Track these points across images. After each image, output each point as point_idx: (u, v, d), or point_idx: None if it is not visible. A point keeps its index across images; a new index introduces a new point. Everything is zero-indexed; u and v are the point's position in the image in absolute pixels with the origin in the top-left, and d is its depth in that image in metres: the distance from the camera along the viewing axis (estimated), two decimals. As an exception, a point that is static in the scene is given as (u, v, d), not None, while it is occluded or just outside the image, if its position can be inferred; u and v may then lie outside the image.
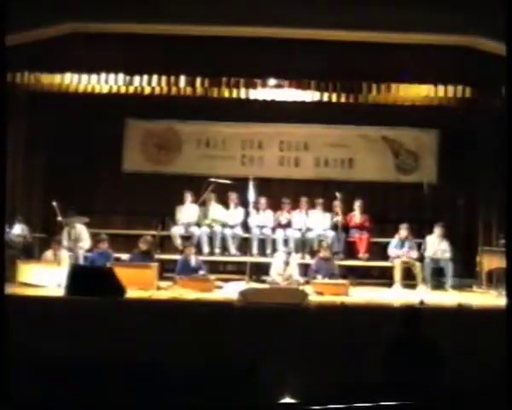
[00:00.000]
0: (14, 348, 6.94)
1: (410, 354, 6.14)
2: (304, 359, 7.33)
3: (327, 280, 10.79)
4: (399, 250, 11.76)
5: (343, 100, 12.84)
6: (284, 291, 9.90)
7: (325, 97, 12.76)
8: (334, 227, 12.33)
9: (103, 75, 11.87)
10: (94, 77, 11.95)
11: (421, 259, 11.63)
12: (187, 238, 12.21)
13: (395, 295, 10.88)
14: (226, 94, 12.86)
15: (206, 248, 12.16)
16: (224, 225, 12.35)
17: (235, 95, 12.86)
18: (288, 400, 6.02)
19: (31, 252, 11.97)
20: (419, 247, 11.86)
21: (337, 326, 7.97)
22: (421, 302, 9.04)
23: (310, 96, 12.60)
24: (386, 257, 12.13)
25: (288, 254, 11.26)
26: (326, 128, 13.63)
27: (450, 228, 12.68)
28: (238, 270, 12.65)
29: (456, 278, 11.67)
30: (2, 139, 7.30)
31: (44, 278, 10.25)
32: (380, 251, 12.86)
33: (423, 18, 10.18)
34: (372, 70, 11.18)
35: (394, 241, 11.96)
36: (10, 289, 9.75)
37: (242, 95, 12.83)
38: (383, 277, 12.49)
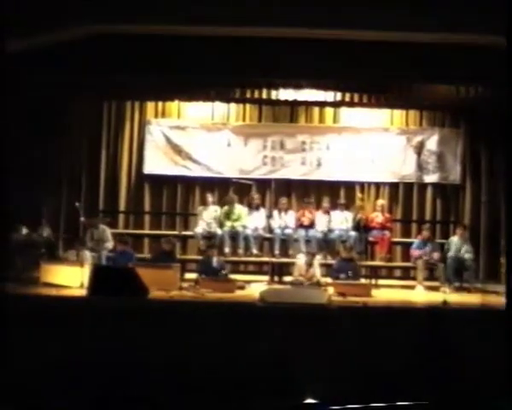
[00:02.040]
0: (37, 348, 7.01)
1: (432, 355, 6.12)
2: (325, 359, 7.32)
3: (349, 281, 10.76)
4: (422, 251, 11.69)
5: (365, 100, 12.86)
6: (306, 292, 9.87)
7: (347, 97, 12.77)
8: (356, 228, 12.28)
9: (125, 76, 11.94)
10: (116, 77, 12.03)
11: (443, 260, 11.57)
12: (209, 239, 12.23)
13: (417, 296, 10.83)
14: (247, 94, 12.92)
15: (227, 249, 12.16)
16: (246, 226, 12.35)
17: (256, 95, 12.91)
18: (309, 400, 6.02)
19: (54, 252, 12.05)
20: (442, 248, 11.79)
21: (359, 327, 7.95)
22: (444, 303, 8.98)
23: (332, 96, 12.61)
24: (408, 258, 12.08)
25: (312, 255, 11.23)
26: (348, 128, 13.58)
27: (473, 229, 12.62)
28: (260, 270, 12.67)
29: (479, 279, 11.60)
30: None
31: (67, 278, 10.29)
32: (402, 252, 12.83)
33: (448, 18, 10.12)
34: (394, 70, 11.14)
35: (417, 241, 11.91)
36: (34, 290, 9.84)
37: (263, 95, 12.87)
38: (405, 277, 12.44)
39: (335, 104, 13.27)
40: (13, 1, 9.76)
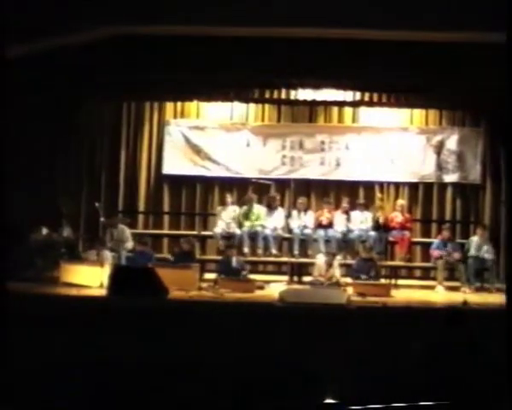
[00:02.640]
0: (55, 348, 7.04)
1: (453, 355, 6.08)
2: (345, 359, 7.30)
3: (368, 281, 10.73)
4: (442, 251, 11.64)
5: (384, 99, 12.82)
6: (325, 292, 9.86)
7: (366, 97, 12.73)
8: (376, 228, 12.24)
9: (144, 77, 11.99)
10: (136, 78, 12.09)
11: (464, 260, 11.50)
12: (228, 239, 12.23)
13: (437, 296, 10.78)
14: (267, 95, 12.92)
15: (246, 249, 12.15)
16: (265, 226, 12.33)
17: (275, 95, 12.91)
18: (329, 400, 6.00)
19: (74, 252, 12.11)
20: (462, 248, 11.73)
21: (378, 327, 7.92)
22: (465, 303, 8.94)
23: (351, 95, 12.58)
24: (428, 258, 12.02)
25: (332, 255, 11.21)
26: (367, 128, 13.53)
27: (493, 229, 12.54)
28: (279, 270, 12.66)
29: (499, 279, 11.53)
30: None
31: (87, 277, 10.35)
32: (422, 252, 12.77)
33: (466, 17, 10.06)
34: (413, 69, 11.10)
35: (437, 241, 11.85)
36: (54, 289, 9.90)
37: (282, 95, 12.87)
38: (425, 277, 12.38)
39: (354, 104, 13.23)
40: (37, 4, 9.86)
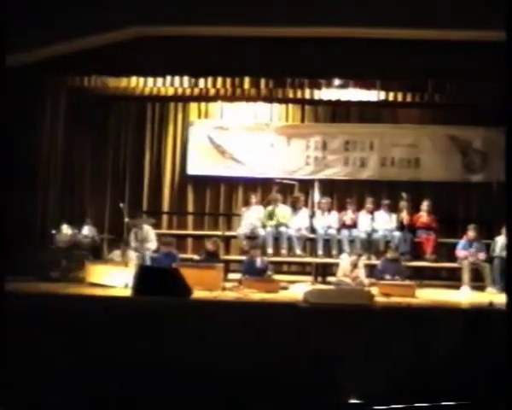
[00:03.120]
0: (80, 347, 7.08)
1: (478, 356, 6.04)
2: (370, 360, 7.27)
3: (393, 281, 10.67)
4: (467, 251, 11.55)
5: (409, 99, 12.74)
6: (350, 292, 9.81)
7: (391, 97, 12.66)
8: (401, 228, 12.18)
9: (168, 78, 12.03)
10: (159, 80, 12.14)
11: (490, 260, 11.41)
12: (252, 239, 12.23)
13: (463, 297, 10.70)
14: (290, 95, 12.89)
15: (270, 249, 12.14)
16: (289, 226, 12.32)
17: (299, 95, 12.88)
18: (353, 400, 5.99)
19: (99, 253, 12.17)
20: (488, 248, 11.63)
21: (403, 328, 7.87)
22: (491, 304, 8.85)
23: (375, 95, 12.52)
24: (453, 258, 11.92)
25: (357, 255, 11.15)
26: (392, 127, 13.48)
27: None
28: (303, 271, 12.64)
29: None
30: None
31: (112, 278, 10.38)
32: (447, 252, 12.67)
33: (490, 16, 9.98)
34: (439, 68, 11.02)
35: (462, 242, 11.76)
36: (79, 289, 9.94)
37: (307, 95, 12.83)
38: (451, 278, 12.28)
39: (379, 104, 13.16)
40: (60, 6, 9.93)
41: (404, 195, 12.38)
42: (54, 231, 11.56)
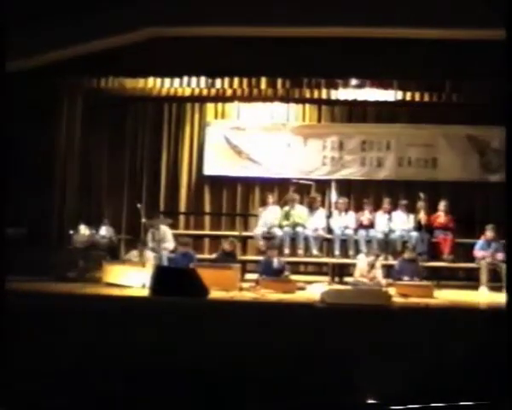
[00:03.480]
0: (97, 347, 7.09)
1: (495, 356, 6.01)
2: (387, 360, 7.25)
3: (411, 282, 10.63)
4: (485, 252, 11.49)
5: (426, 99, 12.68)
6: (367, 293, 9.79)
7: (408, 96, 12.61)
8: (418, 228, 12.13)
9: (185, 78, 12.06)
10: (176, 80, 12.16)
11: (507, 260, 11.33)
12: (269, 239, 12.22)
13: (481, 297, 10.65)
14: (307, 95, 12.88)
15: (287, 250, 12.13)
16: (306, 227, 12.30)
17: (316, 95, 12.86)
18: (370, 400, 5.98)
19: (116, 253, 12.21)
20: (506, 248, 11.55)
21: (421, 328, 7.84)
22: (509, 304, 8.79)
23: (392, 95, 12.48)
24: (471, 258, 11.86)
25: (374, 256, 11.11)
26: (409, 127, 13.43)
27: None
28: (320, 271, 12.61)
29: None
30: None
31: (129, 278, 10.41)
32: (465, 252, 12.60)
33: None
34: (456, 68, 10.97)
35: (480, 242, 11.69)
36: (96, 290, 9.98)
37: (323, 95, 12.81)
38: (469, 278, 12.22)
39: (396, 103, 13.11)
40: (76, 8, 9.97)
41: (421, 195, 12.33)
42: (71, 232, 11.62)
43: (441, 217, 12.36)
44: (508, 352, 5.89)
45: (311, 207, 12.65)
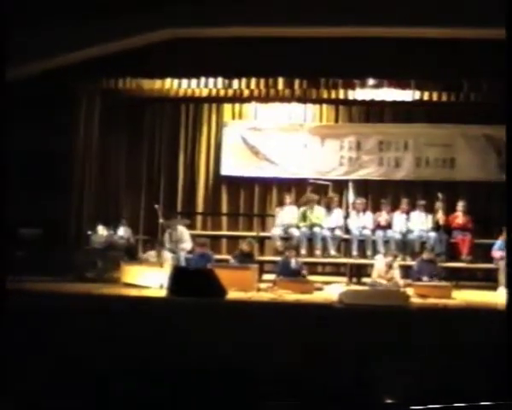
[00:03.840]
0: (115, 347, 7.12)
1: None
2: (405, 360, 7.23)
3: (429, 282, 10.59)
4: (504, 252, 11.41)
5: (444, 98, 12.62)
6: (385, 293, 9.77)
7: (425, 96, 12.56)
8: (436, 228, 12.09)
9: (202, 79, 12.08)
10: (193, 81, 12.18)
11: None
12: (286, 240, 12.21)
13: (499, 298, 10.58)
14: (325, 95, 12.85)
15: (304, 250, 12.11)
16: (324, 227, 12.28)
17: (333, 95, 12.83)
18: (389, 400, 5.97)
19: (134, 254, 12.25)
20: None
21: (439, 329, 7.82)
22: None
23: (410, 95, 12.43)
24: (490, 259, 11.79)
25: (392, 256, 11.08)
26: (426, 127, 13.37)
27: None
28: (338, 271, 12.59)
29: None
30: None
31: (147, 278, 10.44)
32: (484, 253, 12.53)
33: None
34: (474, 67, 10.92)
35: (499, 242, 11.61)
36: (114, 290, 10.02)
37: (341, 95, 12.78)
38: (487, 279, 12.15)
39: (413, 103, 13.06)
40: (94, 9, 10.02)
41: (439, 195, 12.28)
42: (89, 232, 11.68)
43: (459, 217, 12.30)
44: (508, 352, 5.88)
45: (329, 208, 12.62)
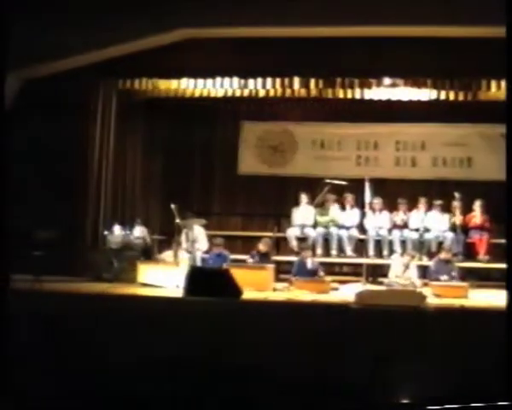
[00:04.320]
0: (131, 348, 7.13)
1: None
2: (422, 361, 7.20)
3: (446, 282, 10.54)
4: (523, 252, 11.34)
5: (461, 97, 12.54)
6: (402, 293, 9.73)
7: (442, 95, 12.49)
8: (453, 228, 12.03)
9: (218, 79, 12.08)
10: (209, 81, 12.18)
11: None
12: (302, 240, 12.19)
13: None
14: (341, 95, 12.80)
15: (320, 250, 12.10)
16: (340, 227, 12.26)
17: (349, 95, 12.79)
18: (405, 400, 5.95)
19: (150, 253, 12.27)
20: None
21: (456, 329, 7.78)
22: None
23: (426, 94, 12.37)
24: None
25: (409, 256, 11.03)
26: (443, 127, 13.33)
27: None
28: (354, 272, 12.55)
29: None
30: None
31: (163, 278, 10.46)
32: (501, 253, 12.45)
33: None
34: (490, 66, 10.85)
35: (517, 242, 11.55)
36: (131, 290, 10.05)
37: (357, 95, 12.74)
38: (505, 279, 12.07)
39: (430, 103, 13.00)
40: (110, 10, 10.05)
41: (456, 195, 12.22)
42: (106, 233, 11.71)
43: (477, 217, 12.24)
44: (507, 352, 5.84)
45: (345, 208, 12.60)
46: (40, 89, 11.03)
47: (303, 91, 12.73)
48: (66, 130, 11.54)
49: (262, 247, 11.38)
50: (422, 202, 12.41)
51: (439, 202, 12.40)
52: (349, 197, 12.68)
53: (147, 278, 10.63)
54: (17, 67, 10.47)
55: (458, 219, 12.05)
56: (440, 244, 11.69)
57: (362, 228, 12.38)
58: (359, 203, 12.79)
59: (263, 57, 11.21)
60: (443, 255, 11.08)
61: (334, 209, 12.47)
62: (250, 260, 11.31)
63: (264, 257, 11.19)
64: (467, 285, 10.37)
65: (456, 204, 12.18)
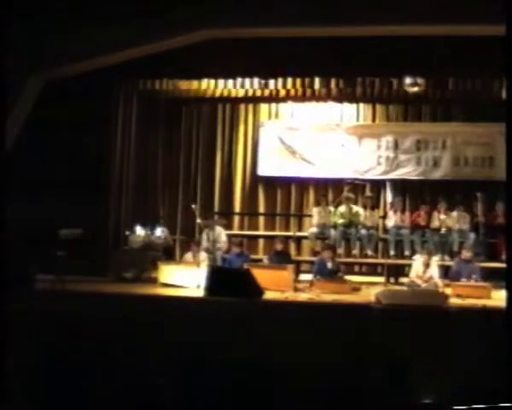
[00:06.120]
0: (152, 347, 7.17)
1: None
2: (445, 360, 7.18)
3: (468, 282, 10.47)
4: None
5: (482, 96, 12.48)
6: (423, 293, 9.70)
7: (463, 94, 12.44)
8: (475, 228, 11.95)
9: (239, 79, 12.10)
10: (230, 81, 12.21)
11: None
12: (323, 239, 12.18)
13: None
14: (361, 94, 12.79)
15: (341, 250, 12.07)
16: (361, 227, 12.23)
17: (370, 94, 12.77)
18: (426, 400, 5.94)
19: (171, 254, 12.31)
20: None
21: (478, 330, 7.74)
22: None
23: (448, 93, 12.32)
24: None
25: (430, 256, 10.96)
26: (465, 126, 13.22)
27: None
28: (375, 272, 12.52)
29: None
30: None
31: (184, 278, 10.48)
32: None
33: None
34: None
35: (539, 242, 11.46)
36: (152, 290, 10.09)
37: (378, 94, 12.72)
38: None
39: (451, 102, 12.94)
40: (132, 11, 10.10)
41: (478, 195, 12.13)
42: (127, 233, 11.77)
43: (499, 217, 12.14)
44: (508, 351, 5.81)
45: (366, 208, 12.56)
46: (64, 90, 11.09)
47: (323, 91, 12.74)
48: (88, 131, 11.61)
49: (278, 246, 11.38)
50: (444, 202, 12.32)
51: (460, 202, 12.30)
52: (370, 197, 12.64)
53: (168, 278, 10.65)
54: (41, 67, 10.57)
55: (480, 218, 11.96)
56: (462, 244, 11.60)
57: (383, 228, 12.34)
58: (380, 203, 12.77)
59: (283, 57, 11.21)
60: (464, 256, 11.01)
61: (354, 209, 12.43)
62: (266, 260, 11.33)
63: (281, 256, 11.17)
64: (489, 286, 10.30)
65: (479, 204, 12.09)
